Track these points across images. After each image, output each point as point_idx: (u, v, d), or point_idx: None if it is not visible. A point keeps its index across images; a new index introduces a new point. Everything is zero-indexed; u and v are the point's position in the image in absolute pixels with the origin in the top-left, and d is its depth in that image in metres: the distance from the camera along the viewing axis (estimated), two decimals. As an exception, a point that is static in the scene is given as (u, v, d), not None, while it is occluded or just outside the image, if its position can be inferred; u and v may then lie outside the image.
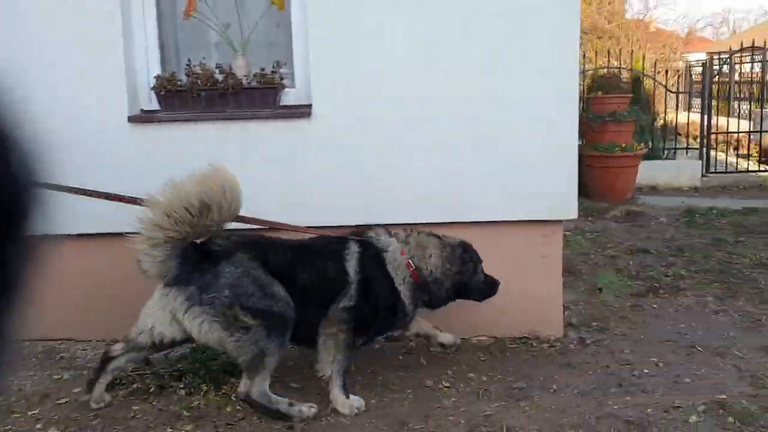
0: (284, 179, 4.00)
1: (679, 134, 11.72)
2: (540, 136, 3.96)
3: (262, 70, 4.10)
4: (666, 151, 10.52)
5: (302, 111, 4.02)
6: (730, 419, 3.04)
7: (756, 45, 10.90)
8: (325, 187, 3.98)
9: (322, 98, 3.99)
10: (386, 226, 3.56)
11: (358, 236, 3.45)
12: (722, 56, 13.07)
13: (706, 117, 10.08)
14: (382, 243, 3.42)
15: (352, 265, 3.31)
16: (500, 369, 3.69)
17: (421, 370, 3.65)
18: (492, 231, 3.97)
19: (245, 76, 4.14)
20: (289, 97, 4.16)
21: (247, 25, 4.27)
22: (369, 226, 3.56)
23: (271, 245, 3.31)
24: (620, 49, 11.69)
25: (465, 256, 3.49)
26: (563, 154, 4.01)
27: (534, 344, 4.04)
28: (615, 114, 8.64)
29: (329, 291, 3.27)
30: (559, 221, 4.07)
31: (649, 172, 9.40)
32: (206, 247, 3.15)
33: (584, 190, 8.72)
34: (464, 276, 3.47)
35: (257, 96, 4.07)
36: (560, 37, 3.88)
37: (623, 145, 8.65)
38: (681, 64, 17.74)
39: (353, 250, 3.36)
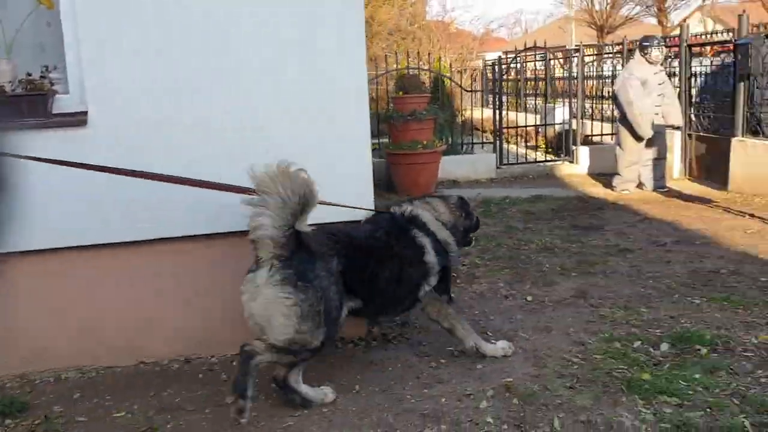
0: (65, 191, 3.69)
1: (477, 129, 12.47)
2: (334, 141, 4.01)
3: (29, 75, 3.74)
4: (464, 146, 11.15)
5: (78, 118, 3.71)
6: (515, 401, 3.23)
7: (539, 45, 11.89)
8: (108, 198, 3.74)
9: (99, 104, 3.72)
10: (396, 202, 3.98)
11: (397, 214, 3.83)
12: (509, 55, 14.11)
13: (498, 112, 10.82)
14: (414, 212, 3.81)
15: (423, 240, 3.71)
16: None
17: (221, 386, 3.52)
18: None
19: (10, 82, 3.75)
20: (64, 104, 3.83)
21: (11, 25, 3.87)
22: (392, 204, 3.96)
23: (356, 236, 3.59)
24: (418, 51, 12.18)
25: (464, 205, 4.07)
26: (357, 155, 4.08)
27: (339, 345, 4.07)
28: (415, 113, 9.00)
29: (417, 270, 3.68)
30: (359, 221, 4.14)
31: (449, 167, 9.90)
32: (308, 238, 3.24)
33: (391, 186, 9.02)
34: (469, 220, 4.09)
35: (24, 104, 3.69)
36: (347, 43, 3.98)
37: (425, 142, 9.04)
38: (479, 63, 18.93)
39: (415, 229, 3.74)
